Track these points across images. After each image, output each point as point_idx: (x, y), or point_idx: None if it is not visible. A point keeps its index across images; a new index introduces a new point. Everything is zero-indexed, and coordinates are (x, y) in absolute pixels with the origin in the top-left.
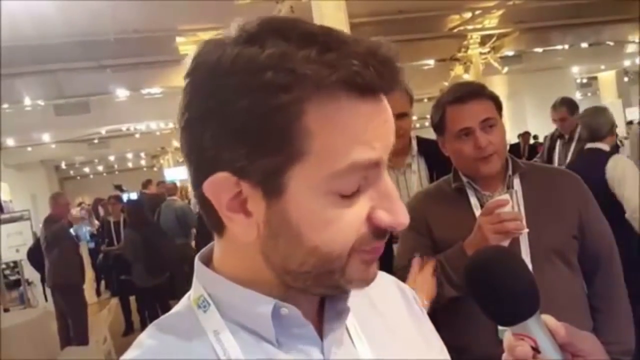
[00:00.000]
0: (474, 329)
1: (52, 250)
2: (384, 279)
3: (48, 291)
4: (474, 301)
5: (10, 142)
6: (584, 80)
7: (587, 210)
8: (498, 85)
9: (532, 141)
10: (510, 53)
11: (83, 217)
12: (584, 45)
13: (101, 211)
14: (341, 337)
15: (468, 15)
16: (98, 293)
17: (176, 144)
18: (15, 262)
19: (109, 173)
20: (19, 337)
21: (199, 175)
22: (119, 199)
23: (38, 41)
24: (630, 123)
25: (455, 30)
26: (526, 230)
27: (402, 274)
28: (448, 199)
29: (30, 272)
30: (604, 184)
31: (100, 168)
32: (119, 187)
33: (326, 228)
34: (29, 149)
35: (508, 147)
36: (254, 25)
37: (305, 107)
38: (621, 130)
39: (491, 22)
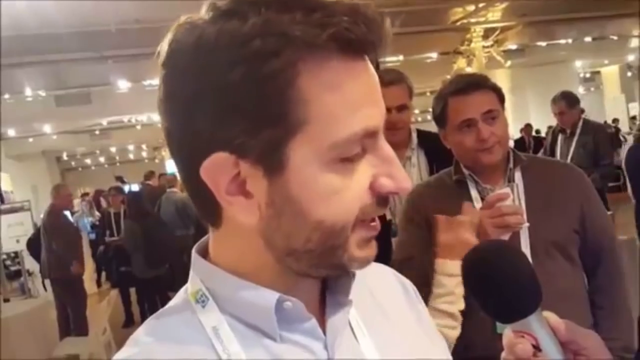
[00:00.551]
0: (472, 324)
1: (53, 241)
2: (383, 272)
3: (47, 282)
4: (473, 297)
5: (11, 132)
6: (587, 75)
7: (589, 204)
8: (501, 79)
9: (533, 134)
10: (514, 47)
11: (84, 211)
12: (588, 39)
13: (103, 203)
14: (344, 331)
15: (471, 8)
16: (99, 284)
17: None
18: (16, 253)
19: (111, 164)
20: (18, 327)
21: (194, 161)
22: (119, 190)
23: (39, 31)
24: (633, 118)
25: (459, 23)
26: (527, 224)
27: (400, 267)
28: (448, 192)
29: (30, 263)
30: None
31: (101, 159)
32: (120, 179)
33: (330, 200)
34: (30, 139)
35: (513, 143)
36: (228, 2)
37: (299, 70)
38: (624, 125)
39: (494, 15)
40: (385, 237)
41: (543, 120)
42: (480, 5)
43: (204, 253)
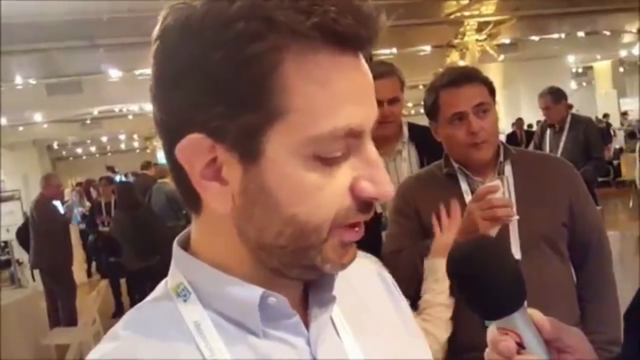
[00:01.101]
0: (460, 317)
1: (40, 230)
2: (367, 269)
3: (36, 272)
4: (458, 293)
5: (2, 121)
6: (579, 70)
7: (578, 197)
8: (493, 74)
9: (525, 128)
10: (507, 41)
11: (74, 200)
12: (580, 34)
13: (93, 193)
14: (326, 327)
15: (465, 1)
16: (89, 274)
17: None
18: (5, 242)
19: (102, 154)
20: (8, 317)
21: (172, 141)
22: (109, 180)
23: (30, 19)
24: (624, 114)
25: (452, 17)
26: (516, 217)
27: (390, 259)
28: (439, 184)
29: (20, 252)
30: None
31: (92, 149)
32: (111, 169)
33: (306, 197)
34: (21, 128)
35: (505, 138)
36: None
37: (282, 57)
38: (615, 120)
39: (488, 8)
40: (376, 231)
41: (535, 115)
42: None
43: (186, 245)
